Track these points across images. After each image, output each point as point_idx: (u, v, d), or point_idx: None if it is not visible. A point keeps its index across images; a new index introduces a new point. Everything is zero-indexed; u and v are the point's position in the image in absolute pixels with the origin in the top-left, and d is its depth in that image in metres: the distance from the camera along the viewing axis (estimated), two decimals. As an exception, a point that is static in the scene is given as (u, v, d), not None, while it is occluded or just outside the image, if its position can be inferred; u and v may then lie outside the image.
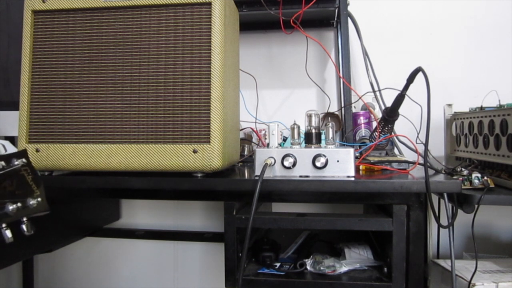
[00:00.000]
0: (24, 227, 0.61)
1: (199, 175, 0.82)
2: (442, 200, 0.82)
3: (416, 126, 1.04)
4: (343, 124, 1.23)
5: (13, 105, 1.12)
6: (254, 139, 1.25)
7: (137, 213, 1.53)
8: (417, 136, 1.05)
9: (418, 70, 0.82)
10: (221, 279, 1.46)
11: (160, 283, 1.52)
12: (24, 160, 0.60)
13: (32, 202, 0.59)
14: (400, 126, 1.06)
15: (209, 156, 0.79)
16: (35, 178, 0.61)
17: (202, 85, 0.81)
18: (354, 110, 1.20)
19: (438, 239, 1.11)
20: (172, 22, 0.82)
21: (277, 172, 0.81)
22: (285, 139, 1.24)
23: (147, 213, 1.53)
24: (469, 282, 0.81)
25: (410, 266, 0.79)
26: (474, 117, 0.97)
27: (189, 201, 1.48)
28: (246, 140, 1.23)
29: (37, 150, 0.85)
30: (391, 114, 0.94)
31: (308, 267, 0.87)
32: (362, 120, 1.18)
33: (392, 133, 0.98)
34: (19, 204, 0.58)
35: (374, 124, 1.12)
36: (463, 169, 0.84)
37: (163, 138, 0.82)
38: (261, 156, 0.81)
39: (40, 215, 0.61)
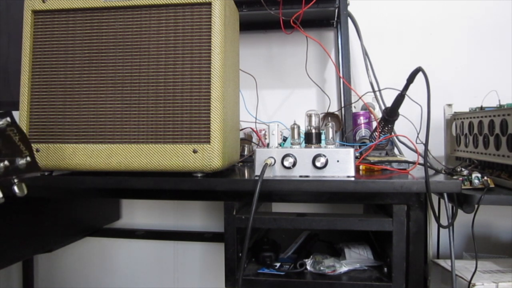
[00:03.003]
0: (16, 188, 0.58)
1: (199, 175, 0.82)
2: (442, 200, 0.82)
3: (416, 126, 1.04)
4: (343, 124, 1.23)
5: (13, 105, 1.12)
6: (254, 139, 1.24)
7: (137, 213, 1.53)
8: (417, 136, 1.05)
9: (418, 70, 0.82)
10: (221, 279, 1.46)
11: (160, 283, 1.52)
12: (8, 119, 0.58)
13: (21, 162, 0.57)
14: (400, 126, 1.06)
15: (209, 156, 0.79)
16: (23, 138, 0.58)
17: (202, 85, 0.81)
18: (354, 110, 1.20)
19: (438, 239, 1.11)
20: (172, 22, 0.82)
21: (277, 172, 0.81)
22: (285, 139, 1.24)
23: (147, 213, 1.53)
24: (469, 282, 0.81)
25: (410, 266, 0.79)
26: (474, 117, 0.97)
27: (189, 201, 1.48)
28: (246, 140, 1.23)
29: (37, 150, 0.85)
30: (391, 114, 0.94)
31: (308, 267, 0.87)
32: (362, 120, 1.18)
33: (392, 133, 0.98)
34: (6, 163, 0.56)
35: (374, 124, 1.12)
36: (463, 169, 0.84)
37: (163, 138, 0.82)
38: (261, 156, 0.81)
39: (32, 176, 0.59)
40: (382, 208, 0.90)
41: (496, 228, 1.30)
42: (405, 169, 0.89)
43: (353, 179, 0.77)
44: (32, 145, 0.85)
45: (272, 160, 0.80)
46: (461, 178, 0.81)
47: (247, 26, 1.34)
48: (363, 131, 1.17)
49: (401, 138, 1.16)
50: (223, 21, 0.81)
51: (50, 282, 1.59)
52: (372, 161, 0.91)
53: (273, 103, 1.44)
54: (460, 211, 0.79)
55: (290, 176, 0.80)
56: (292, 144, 0.86)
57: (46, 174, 0.87)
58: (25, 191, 0.59)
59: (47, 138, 0.86)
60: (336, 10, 1.21)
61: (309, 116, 0.87)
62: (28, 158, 0.58)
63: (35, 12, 0.87)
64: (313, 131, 0.85)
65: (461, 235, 1.30)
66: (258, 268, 0.89)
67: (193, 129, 0.81)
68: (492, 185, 0.80)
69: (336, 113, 1.30)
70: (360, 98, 1.13)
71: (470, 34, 1.33)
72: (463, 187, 0.79)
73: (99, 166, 0.83)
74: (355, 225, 0.81)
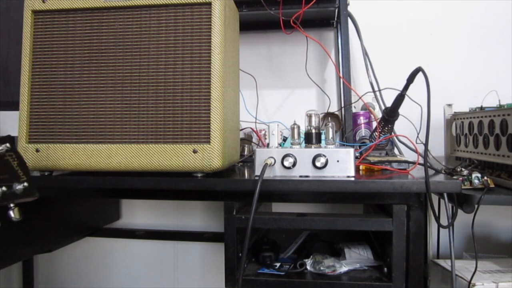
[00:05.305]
0: (11, 213, 0.59)
1: (199, 175, 0.82)
2: (442, 200, 0.82)
3: (416, 126, 1.04)
4: (343, 124, 1.23)
5: (13, 105, 1.12)
6: (254, 139, 1.24)
7: (137, 213, 1.53)
8: (417, 136, 1.05)
9: (418, 70, 0.82)
10: (221, 279, 1.46)
11: (160, 283, 1.52)
12: (8, 145, 0.59)
13: (19, 187, 0.58)
14: (400, 126, 1.06)
15: (209, 156, 0.79)
16: (21, 164, 0.59)
17: (202, 85, 0.81)
18: (354, 110, 1.20)
19: (438, 239, 1.11)
20: (172, 22, 0.82)
21: (277, 172, 0.81)
22: (285, 139, 1.24)
23: (147, 213, 1.53)
24: (469, 282, 0.81)
25: (410, 266, 0.79)
26: (474, 117, 0.97)
27: (189, 201, 1.48)
28: (246, 140, 1.23)
29: (37, 150, 0.85)
30: (391, 114, 0.94)
31: (308, 267, 0.87)
32: (362, 120, 1.18)
33: (392, 133, 0.98)
34: (4, 188, 0.57)
35: (374, 124, 1.12)
36: (463, 169, 0.84)
37: (163, 138, 0.82)
38: (261, 156, 0.81)
39: (29, 201, 0.60)
40: (382, 208, 0.90)
41: (496, 228, 1.30)
42: (405, 169, 0.89)
43: (353, 179, 0.77)
44: (32, 145, 0.85)
45: (272, 160, 0.80)
46: (461, 178, 0.81)
47: (247, 26, 1.34)
48: (363, 131, 1.17)
49: (401, 138, 1.16)
50: (223, 21, 0.81)
51: (50, 282, 1.59)
52: (372, 161, 0.91)
53: (273, 103, 1.44)
54: (460, 211, 0.79)
55: (290, 176, 0.80)
56: (292, 144, 0.86)
57: (46, 174, 0.87)
58: (21, 217, 0.60)
59: (47, 138, 0.86)
60: (336, 10, 1.21)
61: (309, 116, 0.87)
62: (26, 184, 0.59)
63: (35, 12, 0.87)
64: (313, 131, 0.85)
65: (461, 235, 1.30)
66: (258, 268, 0.89)
67: (193, 129, 0.81)
68: (492, 185, 0.80)
69: (336, 113, 1.30)
70: (360, 98, 1.13)
71: (470, 34, 1.33)
72: (463, 187, 0.79)
73: (99, 166, 0.83)
74: (355, 225, 0.81)
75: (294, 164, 0.80)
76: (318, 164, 0.79)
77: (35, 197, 0.60)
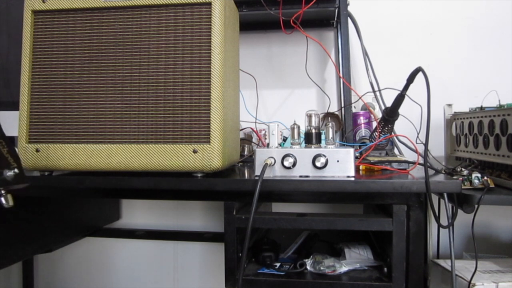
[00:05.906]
0: (3, 199, 0.60)
1: (199, 175, 0.82)
2: (442, 200, 0.82)
3: (416, 126, 1.04)
4: (343, 124, 1.23)
5: (13, 105, 1.12)
6: (254, 139, 1.24)
7: (137, 213, 1.53)
8: (417, 136, 1.05)
9: (418, 70, 0.82)
10: (221, 279, 1.46)
11: (160, 283, 1.52)
12: None
13: (9, 173, 0.59)
14: (400, 126, 1.06)
15: (209, 156, 0.79)
16: (11, 151, 0.60)
17: (202, 85, 0.81)
18: (354, 110, 1.20)
19: (438, 239, 1.11)
20: (172, 22, 0.82)
21: (277, 172, 0.81)
22: (285, 139, 1.24)
23: (147, 213, 1.53)
24: (469, 282, 0.81)
25: (410, 266, 0.79)
26: (474, 117, 0.97)
27: (189, 201, 1.48)
28: (246, 140, 1.23)
29: (37, 150, 0.85)
30: (391, 114, 0.94)
31: (308, 267, 0.87)
32: (362, 120, 1.18)
33: (392, 133, 0.98)
34: None
35: (374, 124, 1.12)
36: (463, 169, 0.84)
37: (163, 138, 0.82)
38: (261, 156, 0.81)
39: (20, 188, 0.60)
40: (382, 208, 0.90)
41: (496, 228, 1.30)
42: (405, 169, 0.89)
43: (353, 179, 0.77)
44: (32, 145, 0.85)
45: (272, 160, 0.80)
46: (461, 178, 0.81)
47: (247, 26, 1.34)
48: (363, 131, 1.17)
49: (401, 138, 1.16)
50: (223, 21, 0.81)
51: (50, 282, 1.59)
52: (372, 161, 0.91)
53: (273, 103, 1.44)
54: (460, 211, 0.79)
55: (290, 176, 0.80)
56: (292, 144, 0.86)
57: (46, 174, 0.87)
58: (12, 203, 0.60)
59: (47, 138, 0.86)
60: (336, 10, 1.21)
61: (309, 116, 0.87)
62: (16, 170, 0.59)
63: (35, 12, 0.87)
64: (313, 131, 0.85)
65: (461, 235, 1.30)
66: (258, 268, 0.89)
67: (193, 129, 0.81)
68: (492, 185, 0.80)
69: (336, 113, 1.30)
70: (360, 98, 1.13)
71: (470, 34, 1.33)
72: (463, 187, 0.79)
73: (99, 166, 0.83)
74: (355, 225, 0.81)
75: (294, 164, 0.80)
76: (318, 164, 0.79)
77: (26, 183, 0.60)
